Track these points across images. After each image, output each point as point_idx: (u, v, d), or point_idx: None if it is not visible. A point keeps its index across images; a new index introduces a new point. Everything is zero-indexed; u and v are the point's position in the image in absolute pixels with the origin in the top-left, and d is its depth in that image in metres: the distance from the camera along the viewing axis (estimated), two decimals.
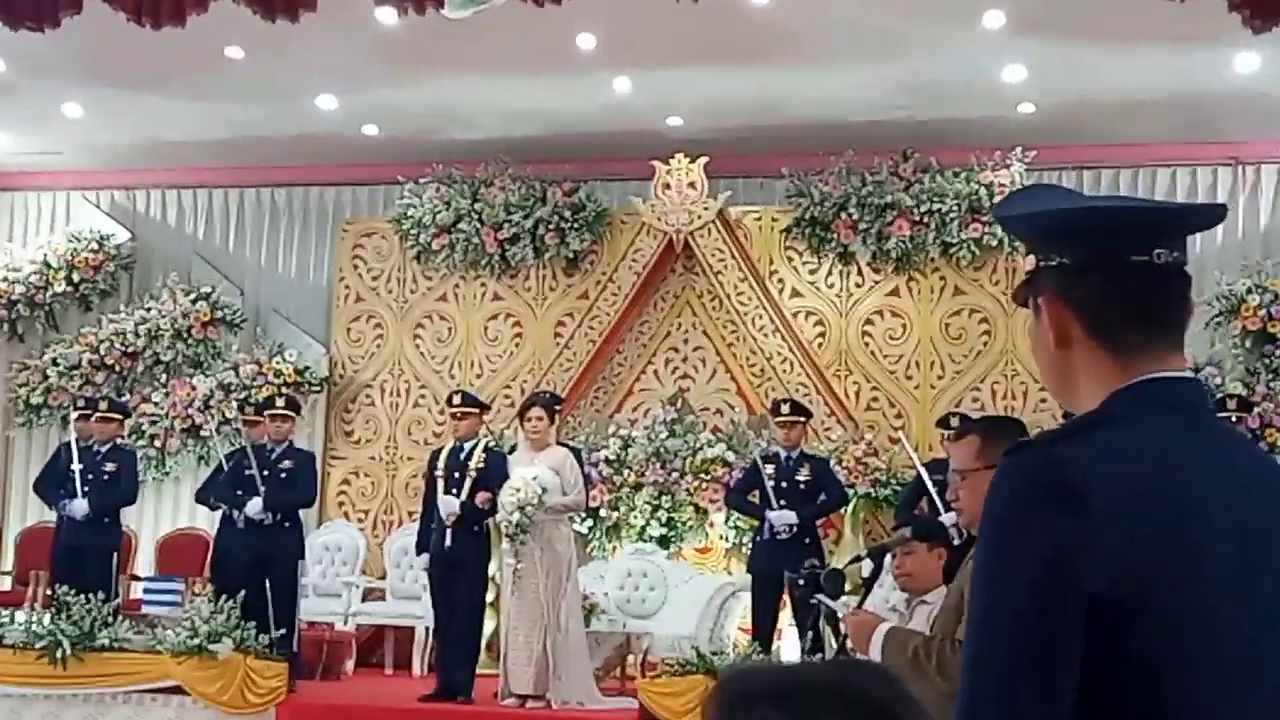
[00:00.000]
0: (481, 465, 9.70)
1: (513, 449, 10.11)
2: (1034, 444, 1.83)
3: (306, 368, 13.10)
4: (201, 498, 11.24)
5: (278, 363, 13.06)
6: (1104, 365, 1.86)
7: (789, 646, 9.93)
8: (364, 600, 12.04)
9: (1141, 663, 1.70)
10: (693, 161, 12.32)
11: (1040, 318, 1.92)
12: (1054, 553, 1.69)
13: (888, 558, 5.57)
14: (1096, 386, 1.86)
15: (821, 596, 4.93)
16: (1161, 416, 1.82)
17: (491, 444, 10.21)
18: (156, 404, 13.14)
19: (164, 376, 13.36)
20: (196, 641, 9.07)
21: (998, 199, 11.89)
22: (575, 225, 12.77)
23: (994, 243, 11.98)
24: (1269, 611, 1.76)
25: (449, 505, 9.62)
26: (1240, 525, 1.76)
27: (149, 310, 13.47)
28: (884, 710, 1.26)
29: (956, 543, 7.34)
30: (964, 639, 1.79)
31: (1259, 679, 1.75)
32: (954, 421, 9.99)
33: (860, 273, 12.46)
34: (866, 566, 4.96)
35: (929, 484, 9.92)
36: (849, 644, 4.58)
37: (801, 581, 4.96)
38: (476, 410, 10.09)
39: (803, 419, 10.48)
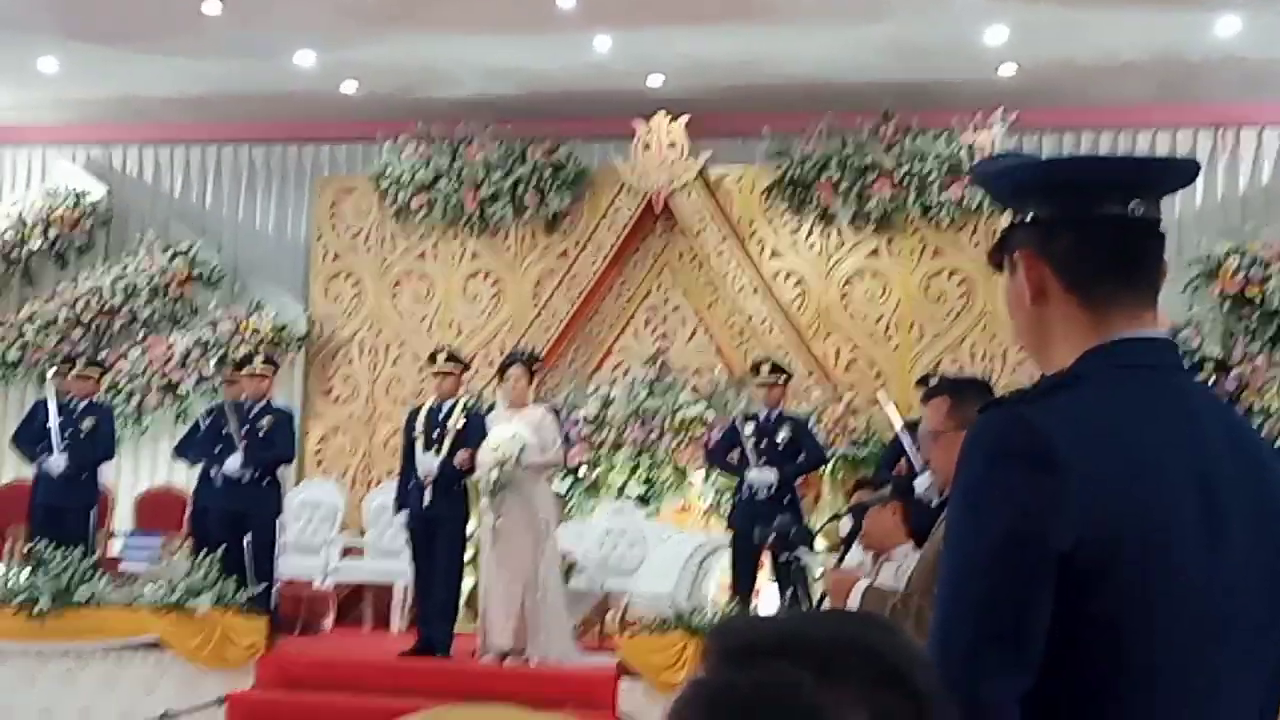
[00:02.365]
0: (461, 424, 9.73)
1: (491, 408, 10.14)
2: (1006, 403, 1.84)
3: (284, 325, 13.10)
4: (180, 454, 11.24)
5: (255, 320, 13.05)
6: (1079, 321, 1.88)
7: (767, 604, 10.00)
8: (343, 557, 12.09)
9: (1107, 623, 1.73)
10: (673, 121, 12.32)
11: (1016, 274, 1.93)
12: (1024, 512, 1.72)
13: None
14: (1071, 343, 1.88)
15: (800, 553, 4.99)
16: (1133, 377, 1.84)
17: (470, 403, 10.23)
18: (134, 361, 13.13)
19: (141, 334, 13.34)
20: (175, 597, 9.10)
21: (978, 160, 11.93)
22: (555, 184, 12.77)
23: (974, 205, 12.01)
24: (1234, 572, 1.78)
25: (428, 464, 9.65)
26: (1208, 487, 1.78)
27: (126, 267, 13.43)
28: (897, 668, 1.24)
29: (935, 503, 7.43)
30: (935, 596, 1.81)
31: (1224, 639, 1.77)
32: (932, 382, 10.03)
33: (840, 234, 12.48)
34: (845, 524, 5.02)
35: (907, 444, 9.98)
36: (827, 601, 4.64)
37: (770, 538, 5.02)
38: (459, 368, 10.11)
39: (783, 379, 10.51)
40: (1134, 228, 1.89)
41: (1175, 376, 1.90)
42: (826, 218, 12.42)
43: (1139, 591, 1.73)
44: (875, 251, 12.44)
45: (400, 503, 9.96)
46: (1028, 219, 1.92)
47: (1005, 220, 1.97)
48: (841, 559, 4.63)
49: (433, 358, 10.20)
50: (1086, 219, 1.87)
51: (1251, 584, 1.80)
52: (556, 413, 10.21)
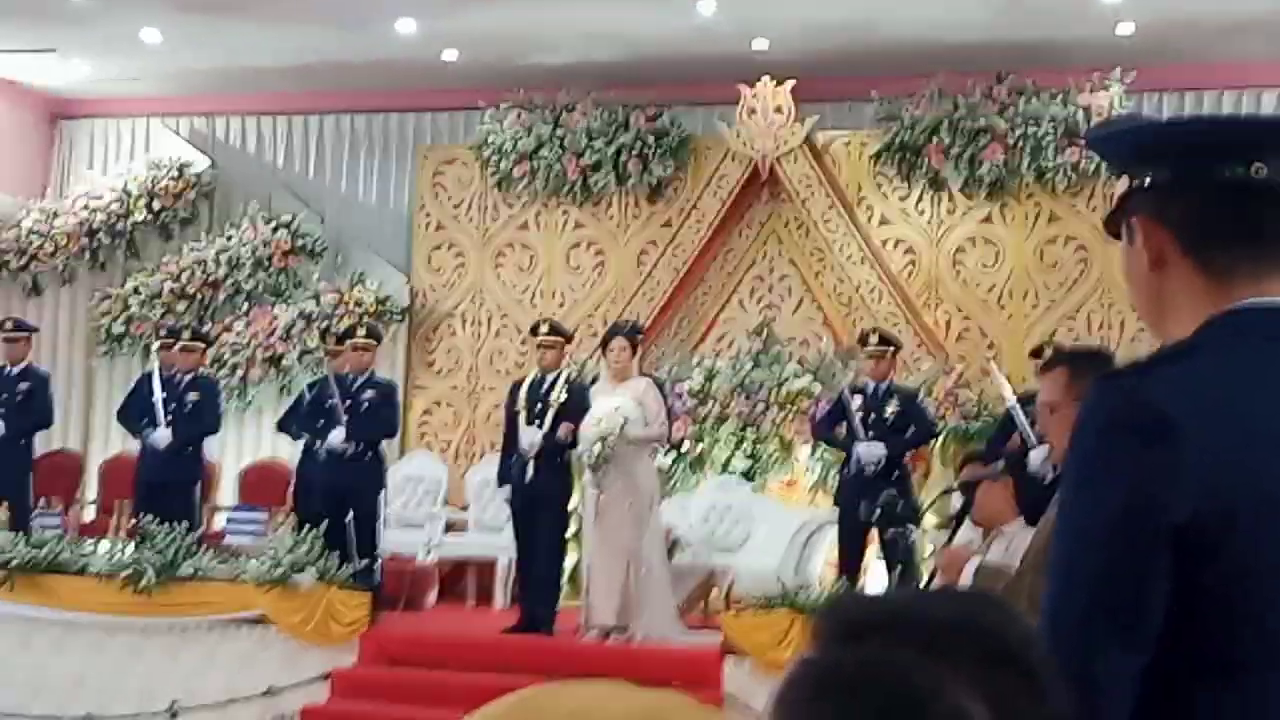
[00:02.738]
0: (563, 397, 9.74)
1: (595, 380, 10.15)
2: (1122, 373, 1.83)
3: (387, 297, 13.20)
4: (283, 428, 11.37)
5: (359, 292, 13.16)
6: (1198, 288, 1.85)
7: (875, 582, 9.94)
8: (446, 532, 12.17)
9: (1222, 596, 1.71)
10: (779, 85, 12.22)
11: (1134, 241, 1.91)
12: (1139, 484, 1.70)
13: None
14: (1190, 311, 1.85)
15: (906, 529, 4.95)
16: (1254, 346, 1.81)
17: (573, 375, 10.24)
18: (238, 333, 13.31)
19: (245, 306, 13.52)
20: (280, 572, 9.22)
21: (1095, 122, 11.73)
22: (658, 151, 12.74)
23: (1091, 169, 11.80)
24: None
25: (530, 438, 9.68)
26: None
27: (230, 239, 13.61)
28: (1008, 646, 1.23)
29: (1049, 479, 7.33)
30: (1049, 572, 1.80)
31: None
32: (1047, 352, 9.90)
33: (952, 199, 12.33)
34: (956, 500, 4.96)
35: (1019, 418, 9.85)
36: (938, 578, 4.60)
37: (877, 512, 5.00)
38: (562, 340, 10.12)
39: (891, 350, 10.41)
40: (1257, 191, 1.83)
41: None
42: (937, 183, 12.27)
43: (1253, 563, 1.71)
44: (988, 218, 12.28)
45: (502, 477, 10.00)
46: (1145, 184, 1.89)
47: (1122, 185, 1.93)
48: (952, 536, 4.57)
49: (535, 330, 10.22)
50: (1206, 183, 1.84)
51: None
52: (660, 385, 10.20)
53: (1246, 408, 1.74)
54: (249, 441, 13.43)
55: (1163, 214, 1.86)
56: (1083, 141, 11.64)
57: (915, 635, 1.20)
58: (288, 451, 12.14)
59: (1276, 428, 1.74)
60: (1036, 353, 10.42)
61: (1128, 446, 1.72)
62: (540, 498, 9.71)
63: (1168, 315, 1.88)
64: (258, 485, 12.56)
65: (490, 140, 13.16)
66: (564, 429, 9.61)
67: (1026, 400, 9.94)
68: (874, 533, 9.48)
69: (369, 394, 10.44)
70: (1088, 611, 1.71)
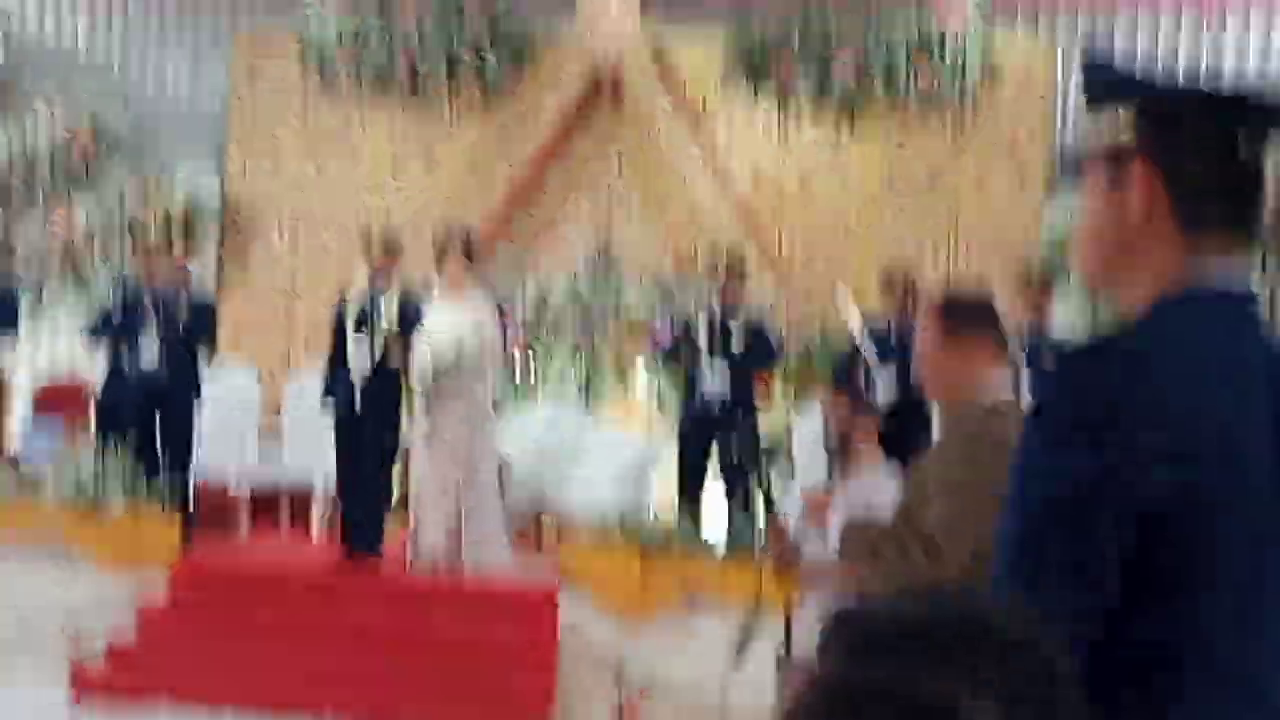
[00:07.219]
0: (395, 314, 9.63)
1: (427, 290, 10.03)
2: (1080, 353, 1.88)
3: (198, 194, 12.88)
4: (87, 339, 11.05)
5: (167, 189, 12.82)
6: (1173, 249, 1.89)
7: (713, 506, 10.00)
8: (260, 445, 11.96)
9: (1179, 576, 1.77)
10: None
11: (1128, 186, 1.92)
12: (1103, 464, 1.75)
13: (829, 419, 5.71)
14: (1156, 269, 1.89)
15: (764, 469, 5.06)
16: (1215, 324, 1.86)
17: (405, 290, 10.11)
18: (33, 231, 12.89)
19: (41, 204, 13.08)
20: (82, 491, 9.00)
21: (949, 37, 11.85)
22: (495, 49, 12.56)
23: (944, 85, 11.94)
24: None
25: (360, 354, 9.57)
26: None
27: (22, 129, 13.14)
28: (1018, 640, 1.25)
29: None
30: (1000, 520, 1.85)
31: None
32: (896, 277, 10.10)
33: (800, 114, 12.37)
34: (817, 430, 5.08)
35: (868, 344, 10.01)
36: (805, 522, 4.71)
37: (733, 459, 5.10)
38: (395, 256, 9.94)
39: (738, 272, 10.47)
40: (1253, 172, 1.90)
41: (1259, 323, 1.92)
42: (787, 97, 12.28)
43: (1222, 549, 1.77)
44: (838, 135, 12.34)
45: (327, 391, 9.85)
46: (1163, 133, 1.90)
47: (1125, 123, 1.94)
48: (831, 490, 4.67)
49: (365, 244, 10.01)
50: (1228, 153, 1.88)
51: None
52: (498, 304, 10.13)
53: (1209, 386, 1.80)
54: (44, 355, 13.03)
55: (1173, 171, 1.89)
56: (934, 59, 11.79)
57: (925, 646, 1.22)
58: (89, 366, 11.82)
59: (1239, 405, 1.81)
60: (885, 277, 10.56)
61: (1093, 427, 1.76)
62: (367, 414, 9.61)
63: (1134, 269, 1.92)
64: (57, 403, 12.20)
65: (313, 29, 12.84)
66: (393, 347, 9.50)
67: (872, 325, 10.13)
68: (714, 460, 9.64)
69: (180, 301, 10.18)
70: (1040, 563, 1.78)
